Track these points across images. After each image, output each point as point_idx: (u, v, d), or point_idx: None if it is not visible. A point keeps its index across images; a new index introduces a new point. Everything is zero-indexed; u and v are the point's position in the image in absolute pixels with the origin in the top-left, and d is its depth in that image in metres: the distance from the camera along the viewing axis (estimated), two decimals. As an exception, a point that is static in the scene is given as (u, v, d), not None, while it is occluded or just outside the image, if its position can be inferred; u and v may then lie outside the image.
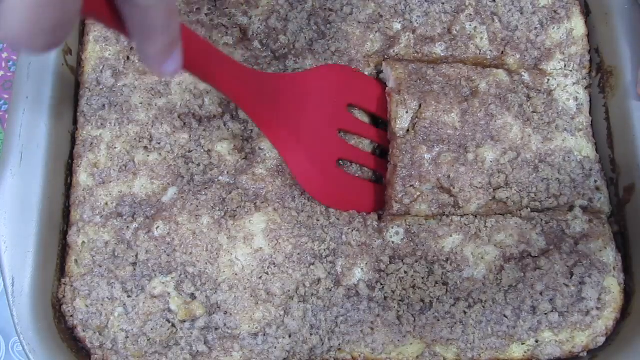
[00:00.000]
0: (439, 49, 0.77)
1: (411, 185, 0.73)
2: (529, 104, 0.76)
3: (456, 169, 0.73)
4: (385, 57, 0.77)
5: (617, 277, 0.71)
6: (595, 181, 0.75)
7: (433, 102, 0.74)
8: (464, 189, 0.73)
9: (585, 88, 0.79)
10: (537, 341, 0.70)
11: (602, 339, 0.70)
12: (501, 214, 0.73)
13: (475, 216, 0.72)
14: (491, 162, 0.74)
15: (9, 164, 0.70)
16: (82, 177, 0.73)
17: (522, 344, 0.70)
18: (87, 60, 0.77)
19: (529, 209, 0.73)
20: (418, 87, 0.75)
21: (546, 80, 0.78)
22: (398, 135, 0.74)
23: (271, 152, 0.73)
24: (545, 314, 0.69)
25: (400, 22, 0.78)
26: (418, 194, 0.73)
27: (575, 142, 0.76)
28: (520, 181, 0.74)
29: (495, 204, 0.73)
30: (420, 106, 0.74)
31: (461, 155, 0.73)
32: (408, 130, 0.74)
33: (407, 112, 0.74)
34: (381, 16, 0.78)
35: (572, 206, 0.74)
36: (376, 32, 0.77)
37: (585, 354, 0.71)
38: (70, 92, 0.76)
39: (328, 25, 0.77)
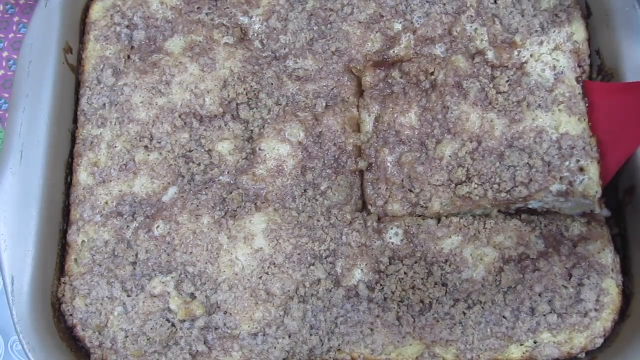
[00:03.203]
0: (438, 50, 0.77)
1: (379, 188, 0.73)
2: (491, 86, 0.72)
3: (414, 169, 0.72)
4: (385, 57, 0.77)
5: (615, 279, 0.71)
6: (578, 161, 0.70)
7: (390, 105, 0.74)
8: (423, 188, 0.72)
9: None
10: (535, 342, 0.70)
11: (600, 340, 0.70)
12: (502, 213, 0.73)
13: (474, 217, 0.73)
14: (449, 156, 0.71)
15: (8, 162, 0.70)
16: (82, 175, 0.73)
17: (521, 344, 0.70)
18: (87, 58, 0.77)
19: (496, 202, 0.70)
20: (381, 91, 0.75)
21: (516, 53, 0.74)
22: (362, 140, 0.75)
23: (271, 153, 0.73)
24: (544, 315, 0.70)
25: (400, 22, 0.78)
26: (388, 194, 0.73)
27: (551, 118, 0.72)
28: (482, 173, 0.70)
29: (459, 200, 0.71)
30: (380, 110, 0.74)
31: (422, 153, 0.72)
32: (372, 135, 0.74)
33: (369, 116, 0.75)
34: (382, 16, 0.78)
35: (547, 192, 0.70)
36: (376, 32, 0.77)
37: (584, 355, 0.71)
38: (71, 90, 0.76)
39: (328, 25, 0.77)
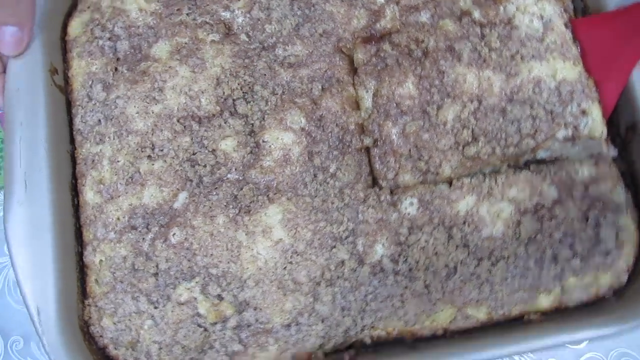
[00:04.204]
0: (424, 17, 0.76)
1: (387, 162, 0.73)
2: (483, 44, 0.73)
3: (420, 137, 0.72)
4: (372, 32, 0.77)
5: (630, 215, 0.72)
6: (579, 104, 0.71)
7: (386, 78, 0.73)
8: (432, 154, 0.72)
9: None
10: (562, 288, 0.71)
11: (625, 277, 0.72)
12: (506, 171, 0.73)
13: (485, 175, 0.73)
14: (453, 120, 0.72)
15: (14, 193, 0.69)
16: (89, 195, 0.72)
17: (549, 293, 0.71)
18: (74, 77, 0.75)
19: (505, 157, 0.71)
20: (375, 66, 0.75)
21: (502, 9, 0.74)
22: (363, 117, 0.75)
23: (276, 143, 0.72)
24: (567, 260, 0.71)
25: (383, -6, 0.78)
26: (397, 166, 0.73)
27: (547, 67, 0.72)
28: (487, 131, 0.71)
29: (468, 161, 0.72)
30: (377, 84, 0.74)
31: (425, 121, 0.72)
32: (372, 110, 0.74)
33: (367, 93, 0.75)
34: (363, -9, 0.77)
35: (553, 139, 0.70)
36: (360, 8, 0.77)
37: (612, 294, 0.72)
38: (63, 111, 0.74)
39: (312, 8, 0.77)
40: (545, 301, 0.71)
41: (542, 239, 0.71)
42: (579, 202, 0.72)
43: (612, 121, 0.74)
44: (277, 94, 0.74)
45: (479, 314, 0.71)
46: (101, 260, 0.71)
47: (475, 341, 0.69)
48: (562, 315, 0.71)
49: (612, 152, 0.73)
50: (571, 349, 0.86)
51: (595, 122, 0.69)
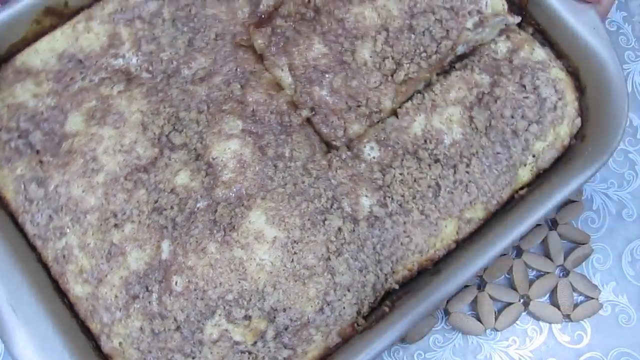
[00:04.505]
0: (299, -20, 0.78)
1: (331, 122, 0.75)
2: None
3: (350, 86, 0.74)
4: (260, 15, 0.77)
5: (557, 65, 0.77)
6: None
7: (293, 50, 0.75)
8: (368, 96, 0.74)
9: None
10: (534, 156, 0.75)
11: (578, 119, 0.76)
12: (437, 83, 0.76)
13: (421, 92, 0.76)
14: (370, 57, 0.74)
15: (6, 321, 0.66)
16: (77, 289, 0.70)
17: (525, 165, 0.75)
18: (3, 188, 0.72)
19: (432, 67, 0.74)
20: (277, 44, 0.76)
21: None
22: (290, 94, 0.76)
23: (225, 155, 0.72)
24: (526, 129, 0.74)
25: (252, -23, 0.78)
26: (343, 122, 0.75)
27: None
28: (406, 52, 0.73)
29: (402, 86, 0.74)
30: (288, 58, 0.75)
31: (347, 70, 0.74)
32: (295, 83, 0.75)
33: (282, 71, 0.76)
34: (232, -17, 0.78)
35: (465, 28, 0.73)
36: (238, -1, 0.78)
37: (574, 140, 0.76)
38: (10, 227, 0.71)
39: (195, 19, 0.77)
40: (525, 174, 0.75)
41: (496, 123, 0.74)
42: (510, 76, 0.75)
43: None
44: (202, 111, 0.74)
45: (478, 213, 0.74)
46: (120, 343, 0.69)
47: (486, 235, 0.72)
48: (545, 178, 0.75)
49: (516, 19, 0.77)
50: (571, 349, 0.86)
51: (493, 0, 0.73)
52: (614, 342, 0.86)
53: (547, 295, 0.88)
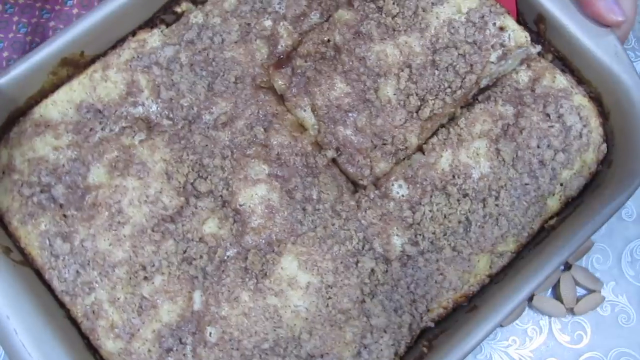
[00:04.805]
0: (315, 18, 0.77)
1: (357, 162, 0.74)
2: (384, 16, 0.74)
3: (375, 125, 0.73)
4: (279, 55, 0.76)
5: (579, 92, 0.76)
6: (494, 24, 0.73)
7: (315, 90, 0.74)
8: (393, 134, 0.73)
9: None
10: (561, 184, 0.74)
11: (604, 146, 0.76)
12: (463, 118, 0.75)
13: (445, 127, 0.75)
14: (394, 94, 0.73)
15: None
16: (109, 345, 0.69)
17: (553, 195, 0.74)
18: (28, 245, 0.71)
19: (456, 102, 0.73)
20: (298, 84, 0.75)
21: None
22: (314, 134, 0.75)
23: (252, 201, 0.71)
24: (553, 159, 0.74)
25: (267, 18, 0.77)
26: (369, 161, 0.74)
27: (450, 6, 0.73)
28: (429, 88, 0.72)
29: (427, 122, 0.73)
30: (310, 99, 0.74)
31: (371, 108, 0.73)
32: (319, 124, 0.75)
33: (305, 112, 0.75)
34: (248, 25, 0.77)
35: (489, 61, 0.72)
36: (255, 40, 0.76)
37: (601, 166, 0.76)
38: (38, 284, 0.70)
39: (213, 63, 0.75)
40: (554, 204, 0.74)
41: (523, 154, 0.73)
42: (534, 105, 0.75)
43: (520, 22, 0.77)
44: (227, 156, 0.73)
45: (510, 246, 0.73)
46: (156, 398, 0.68)
47: (521, 270, 0.71)
48: (576, 207, 0.74)
49: (537, 48, 0.76)
50: (571, 349, 0.87)
51: (516, 32, 0.72)
52: (613, 342, 0.87)
53: (550, 289, 0.88)
